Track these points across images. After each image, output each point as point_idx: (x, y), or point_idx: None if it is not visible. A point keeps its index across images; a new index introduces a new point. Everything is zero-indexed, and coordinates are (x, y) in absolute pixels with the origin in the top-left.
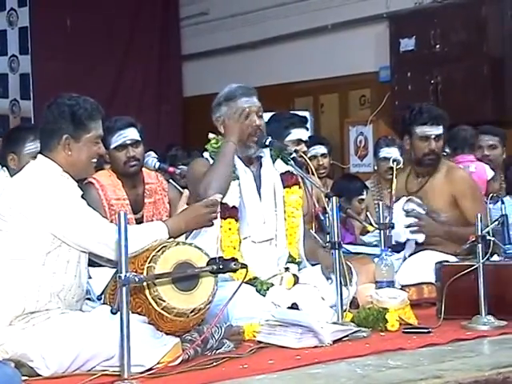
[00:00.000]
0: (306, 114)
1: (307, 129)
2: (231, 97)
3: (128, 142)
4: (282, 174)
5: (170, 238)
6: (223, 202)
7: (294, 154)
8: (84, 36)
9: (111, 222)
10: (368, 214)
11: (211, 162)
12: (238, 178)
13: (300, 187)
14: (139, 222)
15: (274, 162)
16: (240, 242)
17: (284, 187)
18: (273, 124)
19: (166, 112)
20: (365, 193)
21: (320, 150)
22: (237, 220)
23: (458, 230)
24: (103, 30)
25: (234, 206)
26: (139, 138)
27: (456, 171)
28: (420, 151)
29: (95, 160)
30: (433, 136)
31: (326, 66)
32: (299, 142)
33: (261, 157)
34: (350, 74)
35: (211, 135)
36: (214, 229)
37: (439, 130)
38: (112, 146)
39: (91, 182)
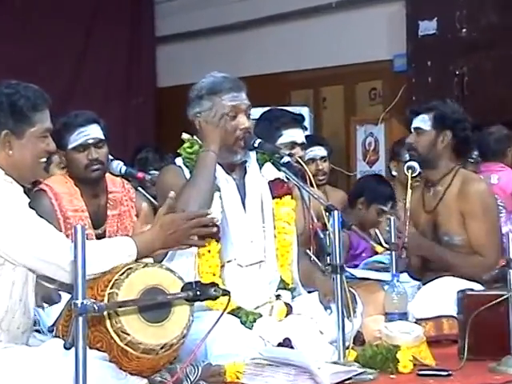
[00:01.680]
0: (305, 110)
1: (304, 129)
2: (216, 90)
3: (90, 141)
4: (270, 182)
5: (139, 258)
6: None
7: (287, 159)
8: (37, 14)
9: (67, 237)
10: (377, 230)
11: (185, 170)
12: (219, 190)
13: (292, 197)
14: (101, 238)
15: (260, 168)
16: (222, 267)
17: (273, 198)
18: (262, 123)
19: (135, 106)
20: (389, 205)
21: (319, 151)
22: (218, 240)
23: (443, 254)
24: (61, 6)
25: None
26: (103, 137)
27: (470, 184)
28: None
29: (44, 159)
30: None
31: (329, 53)
32: (293, 145)
33: (245, 161)
34: (357, 62)
35: (185, 135)
36: (193, 251)
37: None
38: (70, 146)
39: (43, 189)
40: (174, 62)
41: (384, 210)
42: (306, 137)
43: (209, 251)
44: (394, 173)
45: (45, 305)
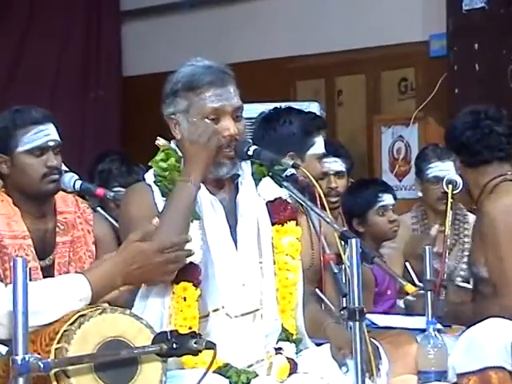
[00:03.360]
0: (314, 106)
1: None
2: (194, 85)
3: (51, 143)
4: (269, 203)
5: (95, 299)
6: None
7: (292, 171)
8: None
9: (3, 273)
10: (407, 264)
11: (156, 192)
12: (199, 218)
13: (297, 223)
14: (48, 273)
15: (257, 185)
16: (205, 317)
17: (273, 224)
18: (270, 125)
19: (95, 100)
20: (385, 197)
21: (333, 165)
22: (196, 285)
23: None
24: None
25: (191, 263)
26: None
27: (488, 200)
28: None
29: None
30: None
31: (346, 33)
32: (321, 158)
33: (237, 176)
34: (383, 44)
35: (161, 141)
36: (167, 297)
37: None
38: (22, 149)
39: None
40: (143, 45)
41: (384, 206)
42: None
43: (184, 299)
44: (420, 193)
45: None
